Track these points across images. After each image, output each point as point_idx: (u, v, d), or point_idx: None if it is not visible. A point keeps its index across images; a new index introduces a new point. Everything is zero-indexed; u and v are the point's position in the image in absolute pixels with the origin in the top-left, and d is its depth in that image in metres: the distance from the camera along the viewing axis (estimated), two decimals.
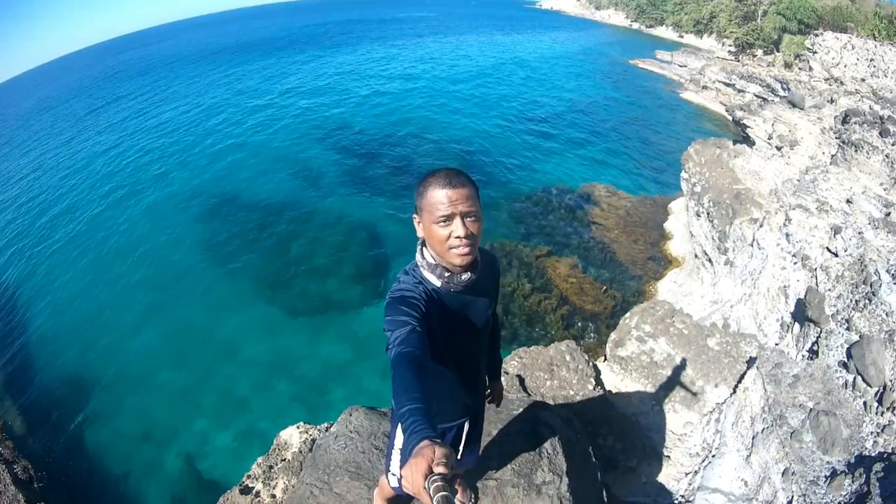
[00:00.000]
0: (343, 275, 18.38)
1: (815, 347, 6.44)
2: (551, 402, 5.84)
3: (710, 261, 13.32)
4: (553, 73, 43.64)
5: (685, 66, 42.28)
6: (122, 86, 60.52)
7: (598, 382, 6.44)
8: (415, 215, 2.14)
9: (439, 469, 1.24)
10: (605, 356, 8.09)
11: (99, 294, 20.38)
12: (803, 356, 6.72)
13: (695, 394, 6.50)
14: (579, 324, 14.53)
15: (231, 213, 23.17)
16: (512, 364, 6.79)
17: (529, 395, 6.14)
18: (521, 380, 6.45)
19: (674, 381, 6.82)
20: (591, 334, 14.23)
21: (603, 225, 18.44)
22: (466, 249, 2.03)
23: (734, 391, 6.26)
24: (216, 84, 50.11)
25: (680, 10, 63.67)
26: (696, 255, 14.34)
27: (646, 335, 7.57)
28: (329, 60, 54.25)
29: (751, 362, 6.29)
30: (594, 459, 4.71)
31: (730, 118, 22.78)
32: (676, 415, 6.51)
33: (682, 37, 61.41)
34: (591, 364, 6.57)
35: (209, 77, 54.80)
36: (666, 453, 6.61)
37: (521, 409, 4.44)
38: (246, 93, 43.72)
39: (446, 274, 2.15)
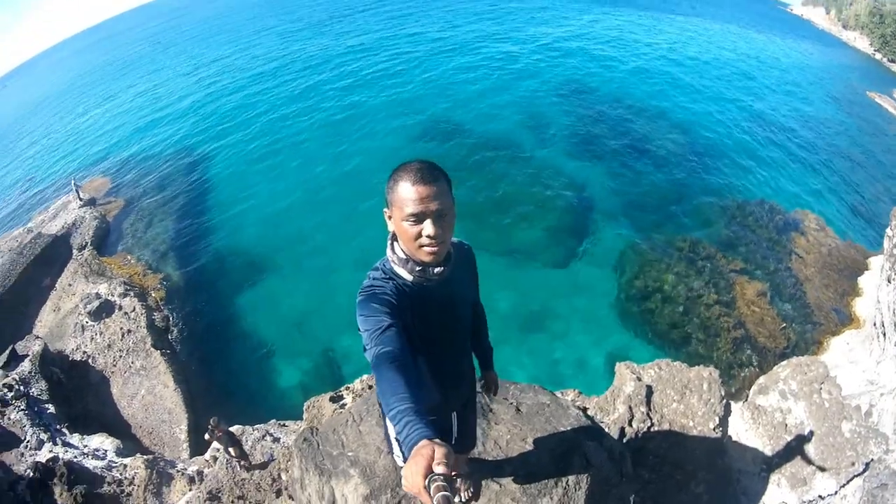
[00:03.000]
0: (541, 228, 19.24)
1: None
2: (667, 427, 6.08)
3: (884, 334, 12.05)
4: (784, 81, 40.37)
5: None
6: None
7: (723, 423, 6.29)
8: (385, 209, 2.15)
9: (439, 469, 1.29)
10: (746, 397, 8.15)
11: (297, 188, 23.25)
12: None
13: (804, 476, 6.17)
14: (744, 354, 14.62)
15: (453, 139, 25.19)
16: (649, 372, 6.93)
17: (650, 410, 6.34)
18: (650, 392, 6.59)
19: (793, 453, 6.50)
20: (749, 369, 14.25)
21: (802, 258, 18.12)
22: (436, 248, 2.07)
23: (836, 492, 5.90)
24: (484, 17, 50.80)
25: None
26: (874, 324, 13.68)
27: (790, 392, 7.43)
28: (614, 20, 52.03)
29: (868, 467, 5.84)
30: None
31: None
32: (778, 489, 6.26)
33: None
34: (723, 402, 6.44)
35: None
36: None
37: (568, 429, 4.36)
38: (504, 33, 43.95)
39: (417, 268, 2.17)
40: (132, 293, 18.95)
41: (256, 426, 11.95)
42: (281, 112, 32.79)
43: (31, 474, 11.18)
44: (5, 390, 14.40)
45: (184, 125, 36.13)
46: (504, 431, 4.35)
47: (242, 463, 9.96)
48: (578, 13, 52.94)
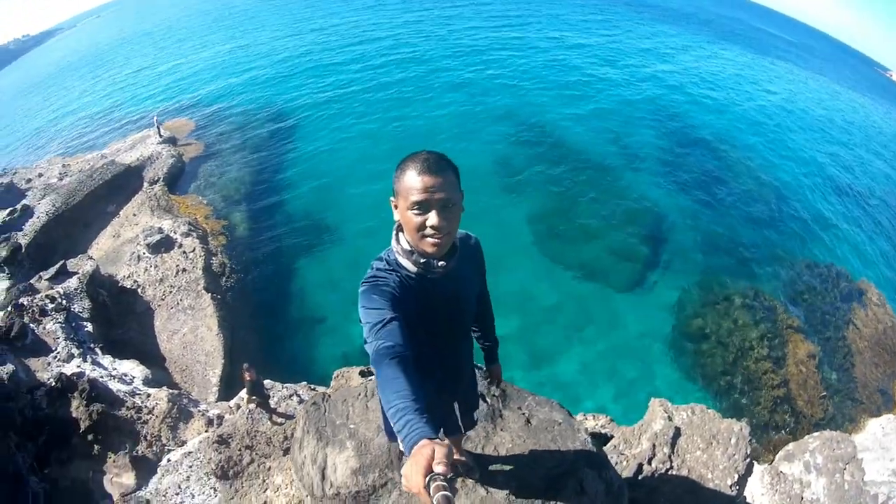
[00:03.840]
0: (612, 247, 19.23)
1: None
2: (685, 473, 5.94)
3: None
4: (878, 147, 38.94)
5: None
6: None
7: (741, 482, 6.03)
8: (392, 198, 2.13)
9: (439, 468, 1.30)
10: (771, 461, 8.01)
11: (381, 171, 22.91)
12: None
13: None
14: (781, 415, 14.35)
15: (543, 145, 25.34)
16: (681, 415, 6.75)
17: (672, 452, 6.17)
18: (678, 434, 6.43)
19: None
20: (781, 432, 13.97)
21: (858, 330, 17.56)
22: (439, 240, 2.05)
23: None
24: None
25: None
26: None
27: (814, 466, 7.31)
28: (721, 59, 51.73)
29: None
30: None
31: None
32: None
33: None
34: (747, 460, 6.12)
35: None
36: None
37: (571, 450, 4.28)
38: (613, 56, 43.60)
39: (422, 260, 2.16)
40: (194, 234, 19.34)
41: (287, 384, 12.10)
42: (379, 94, 33.04)
43: (53, 383, 11.39)
44: (47, 301, 14.69)
45: (276, 87, 36.73)
46: (507, 440, 4.36)
47: (267, 412, 10.13)
48: (687, 47, 52.56)
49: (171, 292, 16.92)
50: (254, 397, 9.99)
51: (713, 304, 17.25)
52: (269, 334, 16.61)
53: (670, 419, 6.63)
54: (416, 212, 1.99)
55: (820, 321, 17.60)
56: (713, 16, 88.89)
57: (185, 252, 18.34)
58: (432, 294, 2.24)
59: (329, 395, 5.03)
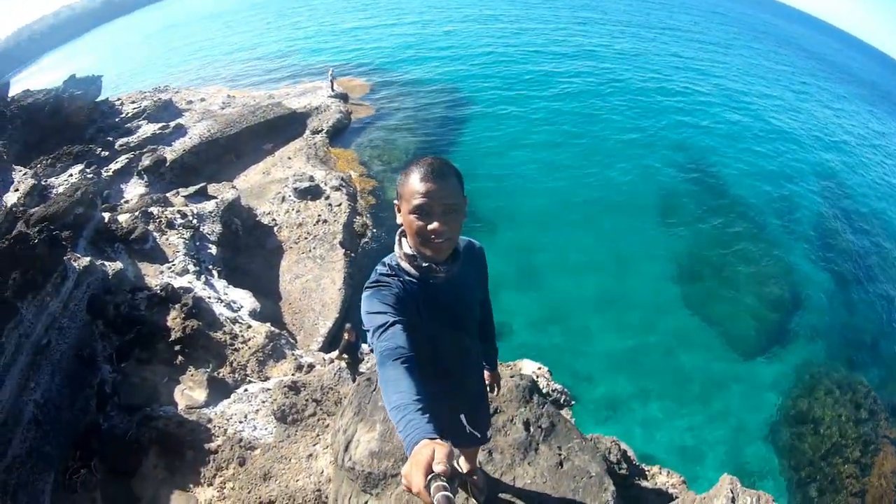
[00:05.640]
0: (742, 305, 18.80)
1: None
2: None
3: None
4: None
5: None
6: None
7: None
8: (395, 201, 2.14)
9: (439, 468, 1.31)
10: None
11: (555, 183, 23.78)
12: None
13: None
14: None
15: (710, 192, 24.94)
16: (745, 499, 5.72)
17: None
18: None
19: None
20: None
21: None
22: (440, 245, 2.09)
23: None
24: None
25: None
26: None
27: None
28: None
29: None
30: None
31: None
32: None
33: None
34: None
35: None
36: None
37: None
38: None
39: (423, 265, 2.17)
40: (344, 190, 19.74)
41: None
42: (570, 103, 32.93)
43: (158, 291, 11.74)
44: (177, 215, 15.41)
45: (461, 73, 37.06)
46: (529, 474, 4.35)
47: (352, 371, 10.31)
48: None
49: (306, 238, 17.31)
50: (345, 356, 10.17)
51: (823, 392, 16.60)
52: None
53: (734, 501, 6.76)
54: (417, 216, 2.04)
55: None
56: None
57: (330, 204, 18.71)
58: (434, 299, 2.28)
59: None
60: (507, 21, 51.96)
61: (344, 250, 16.85)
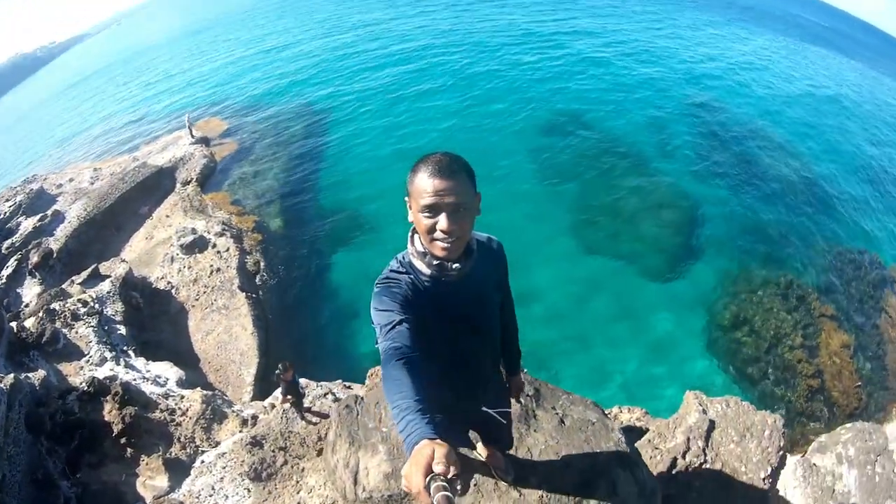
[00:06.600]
0: (645, 237, 19.36)
1: None
2: (718, 466, 5.90)
3: None
4: None
5: None
6: None
7: (774, 475, 5.99)
8: (406, 197, 2.09)
9: (439, 468, 1.30)
10: (804, 452, 7.70)
11: (399, 143, 24.38)
12: None
13: None
14: (815, 405, 14.25)
15: (577, 135, 25.53)
16: (715, 407, 6.72)
17: (707, 445, 6.12)
18: (712, 427, 6.43)
19: None
20: (815, 423, 13.74)
21: (891, 318, 17.31)
22: (449, 245, 2.03)
23: None
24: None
25: None
26: None
27: (846, 458, 7.10)
28: (757, 44, 51.40)
29: None
30: None
31: None
32: None
33: None
34: (780, 453, 6.13)
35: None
36: None
37: (604, 450, 4.24)
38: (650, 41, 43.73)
39: (435, 263, 2.13)
40: (228, 233, 19.39)
41: (321, 383, 12.09)
42: (412, 88, 33.25)
43: (85, 388, 11.34)
44: (79, 305, 14.76)
45: (310, 85, 36.87)
46: (541, 440, 4.32)
47: (299, 412, 10.05)
48: (720, 36, 51.70)
49: (205, 292, 17.01)
50: (289, 397, 9.97)
51: (747, 293, 17.17)
52: (304, 332, 16.78)
53: (705, 412, 6.59)
54: (426, 215, 1.98)
55: (853, 309, 17.44)
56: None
57: (218, 252, 18.40)
58: (448, 298, 2.21)
59: (362, 398, 5.08)
60: (352, 29, 51.66)
61: (244, 293, 16.67)
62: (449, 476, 1.31)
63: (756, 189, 22.56)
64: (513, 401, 3.38)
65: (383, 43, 43.74)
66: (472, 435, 3.48)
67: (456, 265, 2.14)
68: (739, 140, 26.56)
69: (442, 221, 1.96)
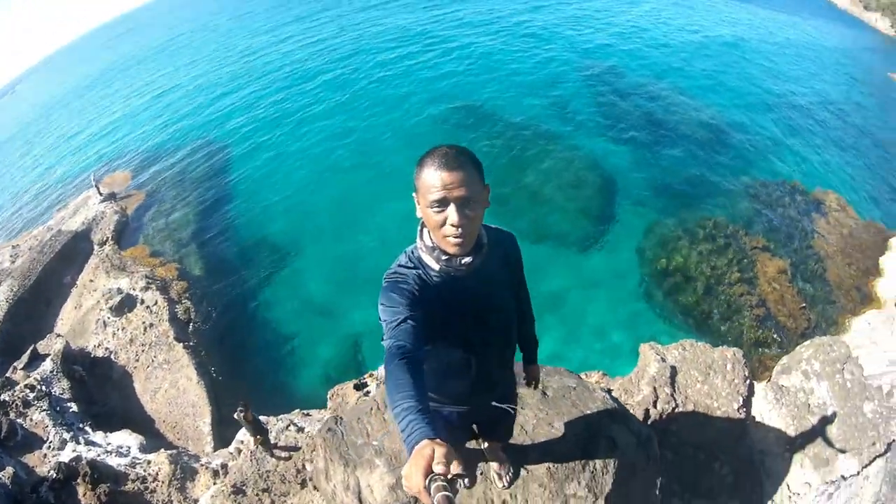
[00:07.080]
0: (567, 210, 19.31)
1: None
2: (691, 408, 6.09)
3: None
4: (804, 62, 39.03)
5: None
6: None
7: (747, 404, 6.27)
8: (414, 193, 2.06)
9: (439, 468, 1.29)
10: (769, 378, 7.82)
11: (318, 177, 23.75)
12: None
13: (827, 456, 6.03)
14: (766, 333, 14.57)
15: (483, 123, 25.45)
16: (673, 353, 6.83)
17: (674, 391, 6.31)
18: (674, 372, 6.52)
19: (816, 434, 6.35)
20: (771, 348, 13.99)
21: (824, 237, 17.88)
22: (459, 239, 1.99)
23: (859, 472, 5.80)
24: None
25: None
26: None
27: (812, 373, 7.15)
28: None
29: (889, 448, 5.82)
30: (658, 493, 4.40)
31: None
32: (801, 470, 6.14)
33: None
34: (747, 382, 6.43)
35: None
36: None
37: (594, 412, 4.29)
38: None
39: (444, 257, 2.09)
40: (154, 286, 19.04)
41: (280, 416, 12.01)
42: (311, 108, 32.69)
43: (55, 475, 11.26)
44: (27, 391, 14.47)
45: (206, 121, 36.12)
46: (530, 416, 4.30)
47: (267, 450, 10.04)
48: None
49: (143, 351, 16.69)
50: (258, 436, 9.92)
51: (675, 242, 17.51)
52: (249, 369, 16.42)
53: (664, 360, 6.72)
54: (435, 209, 1.94)
55: (784, 237, 17.93)
56: None
57: (148, 307, 18.07)
58: (459, 293, 2.17)
59: (342, 419, 4.95)
60: (241, 58, 50.45)
61: (181, 344, 16.45)
62: (449, 476, 1.30)
63: (669, 146, 23.01)
64: (529, 389, 3.52)
65: (275, 66, 43.11)
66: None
67: (466, 259, 2.10)
68: (644, 102, 26.89)
69: (452, 215, 1.93)
